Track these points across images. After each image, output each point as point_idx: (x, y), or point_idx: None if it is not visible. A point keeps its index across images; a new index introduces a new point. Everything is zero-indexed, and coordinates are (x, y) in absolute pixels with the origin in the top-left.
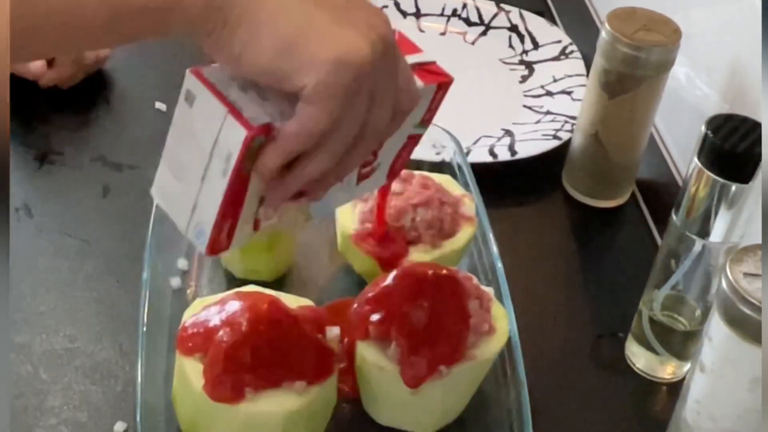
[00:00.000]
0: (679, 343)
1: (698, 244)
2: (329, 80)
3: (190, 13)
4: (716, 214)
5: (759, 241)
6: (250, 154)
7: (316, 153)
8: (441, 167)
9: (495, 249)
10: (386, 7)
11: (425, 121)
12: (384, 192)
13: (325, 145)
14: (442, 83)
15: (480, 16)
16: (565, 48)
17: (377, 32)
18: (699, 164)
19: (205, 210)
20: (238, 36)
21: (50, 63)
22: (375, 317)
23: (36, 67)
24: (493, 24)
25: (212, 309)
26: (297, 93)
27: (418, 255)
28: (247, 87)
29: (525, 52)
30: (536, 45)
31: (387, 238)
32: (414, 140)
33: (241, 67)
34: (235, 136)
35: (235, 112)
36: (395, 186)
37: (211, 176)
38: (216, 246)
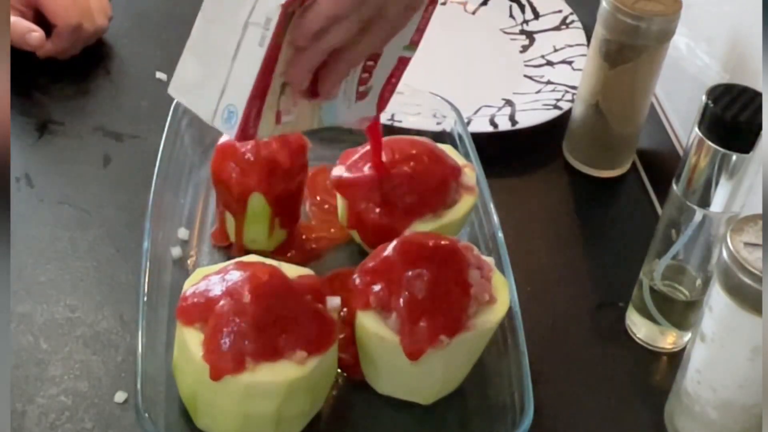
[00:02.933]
0: (679, 313)
1: (699, 214)
2: None
3: None
4: (717, 183)
5: (759, 211)
6: (287, 20)
7: (341, 22)
8: (442, 137)
9: (496, 219)
10: None
11: (413, 43)
12: (374, 129)
13: (350, 16)
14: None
15: None
16: (565, 18)
17: None
18: (700, 134)
19: (237, 88)
20: None
21: (48, 34)
22: (376, 287)
23: (34, 38)
24: None
25: (213, 279)
26: None
27: (418, 225)
28: None
29: (525, 21)
30: (537, 15)
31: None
32: (403, 64)
33: None
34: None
35: None
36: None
37: (245, 50)
38: (245, 130)
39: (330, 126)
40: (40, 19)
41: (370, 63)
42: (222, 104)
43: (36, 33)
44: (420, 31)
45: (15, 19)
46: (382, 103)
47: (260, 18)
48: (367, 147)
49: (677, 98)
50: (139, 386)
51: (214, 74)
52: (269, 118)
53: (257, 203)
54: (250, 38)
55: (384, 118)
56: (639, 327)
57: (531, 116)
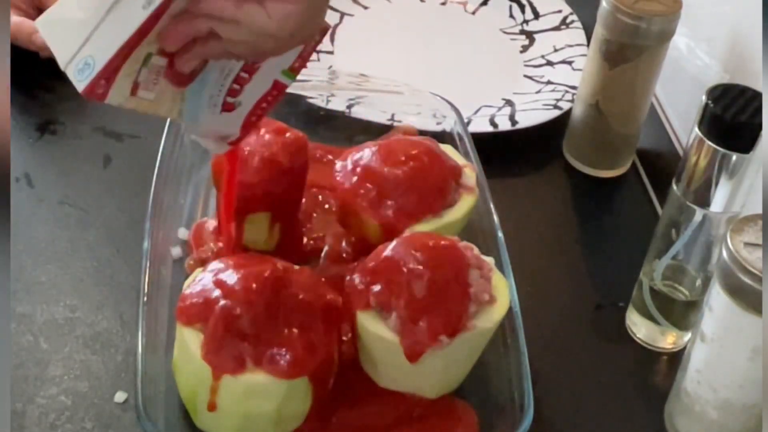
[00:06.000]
0: (679, 312)
1: (699, 214)
2: None
3: None
4: (717, 183)
5: (759, 211)
6: None
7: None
8: (442, 137)
9: (496, 219)
10: None
11: (294, 70)
12: (232, 157)
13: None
14: (321, 28)
15: None
16: (565, 18)
17: None
18: (699, 134)
19: (103, 43)
20: None
21: None
22: (376, 287)
23: (39, 39)
24: None
25: (212, 278)
26: None
27: (418, 225)
28: None
29: (525, 21)
30: (537, 15)
31: None
32: (278, 90)
33: None
34: None
35: None
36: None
37: (125, 7)
38: (94, 87)
39: (190, 126)
40: None
41: (244, 75)
42: (81, 53)
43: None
44: (303, 59)
45: (20, 20)
46: (247, 126)
47: None
48: (369, 145)
49: (677, 98)
50: (139, 386)
51: (85, 20)
52: (124, 86)
53: None
54: None
55: (384, 118)
56: (639, 327)
57: (531, 116)
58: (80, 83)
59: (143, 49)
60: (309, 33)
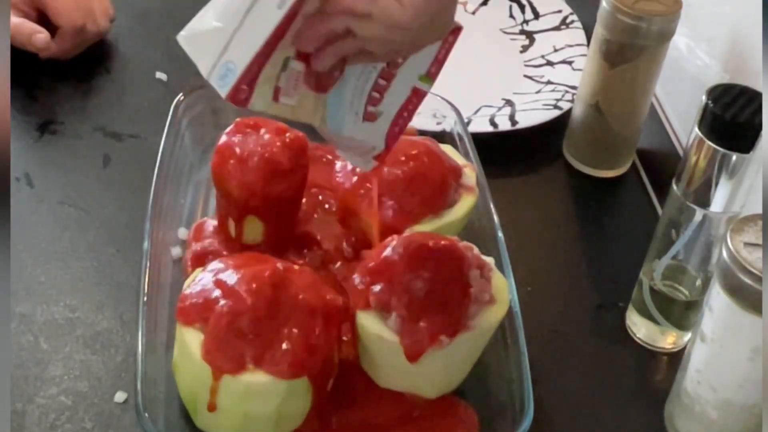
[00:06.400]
0: (679, 313)
1: (699, 214)
2: None
3: None
4: (717, 183)
5: (759, 211)
6: None
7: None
8: (442, 137)
9: (496, 219)
10: None
11: (431, 74)
12: (378, 175)
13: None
14: (453, 29)
15: None
16: (565, 18)
17: None
18: (699, 134)
19: (242, 46)
20: None
21: (51, 35)
22: (376, 287)
23: (40, 40)
24: None
25: (212, 278)
26: None
27: (418, 225)
28: None
29: (525, 21)
30: (537, 15)
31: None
32: (417, 97)
33: None
34: None
35: None
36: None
37: (261, 8)
38: (238, 92)
39: (336, 140)
40: (42, 20)
41: (382, 82)
42: (222, 60)
43: (42, 35)
44: (438, 62)
45: (20, 21)
46: (391, 139)
47: None
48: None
49: (677, 98)
50: (139, 386)
51: (223, 28)
52: (265, 91)
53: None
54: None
55: None
56: (639, 327)
57: (531, 116)
58: (223, 89)
59: (281, 52)
60: (442, 25)
